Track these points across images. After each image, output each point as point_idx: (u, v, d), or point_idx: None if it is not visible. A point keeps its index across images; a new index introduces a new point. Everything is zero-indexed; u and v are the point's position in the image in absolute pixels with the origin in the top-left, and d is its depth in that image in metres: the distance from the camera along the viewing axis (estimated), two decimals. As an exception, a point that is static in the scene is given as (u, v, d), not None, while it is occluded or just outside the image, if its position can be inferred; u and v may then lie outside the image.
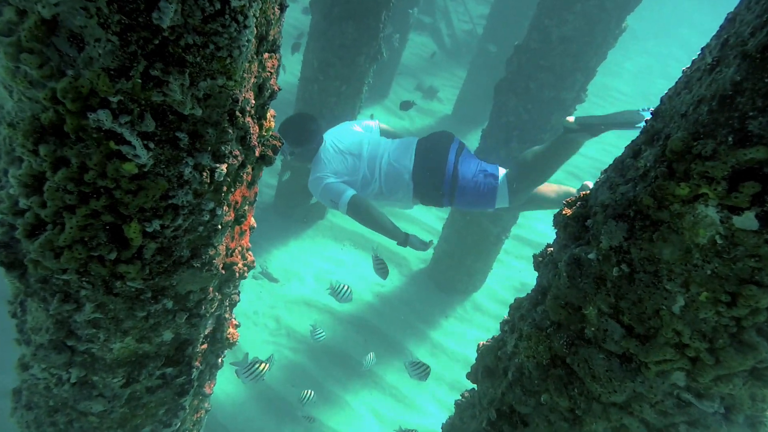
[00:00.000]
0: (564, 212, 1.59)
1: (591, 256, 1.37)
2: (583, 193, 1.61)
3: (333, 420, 4.59)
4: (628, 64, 15.17)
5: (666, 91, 1.43)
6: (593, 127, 3.80)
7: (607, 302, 1.33)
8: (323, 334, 4.45)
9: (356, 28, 5.21)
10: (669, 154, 1.14)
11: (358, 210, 3.91)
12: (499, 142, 4.95)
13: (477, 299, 6.17)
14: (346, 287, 4.32)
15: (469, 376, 2.10)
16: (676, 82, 1.37)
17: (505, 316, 2.00)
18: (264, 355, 4.82)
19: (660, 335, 1.22)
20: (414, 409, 4.86)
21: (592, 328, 1.38)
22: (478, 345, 2.08)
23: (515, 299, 1.93)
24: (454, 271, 5.98)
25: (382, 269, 4.22)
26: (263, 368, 3.45)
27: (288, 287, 5.55)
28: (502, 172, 4.08)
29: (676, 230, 1.16)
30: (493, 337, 2.04)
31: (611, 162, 1.56)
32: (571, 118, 3.85)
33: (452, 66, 11.19)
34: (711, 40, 1.27)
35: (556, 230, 1.67)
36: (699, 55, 1.31)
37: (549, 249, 1.73)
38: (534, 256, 1.83)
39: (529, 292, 1.87)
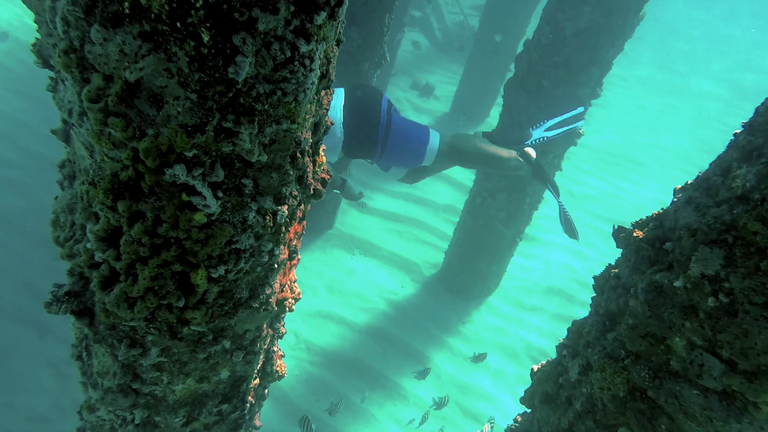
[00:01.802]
0: (635, 234, 1.55)
1: (677, 284, 1.33)
2: (656, 213, 1.56)
3: (358, 432, 4.56)
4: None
5: (762, 102, 1.35)
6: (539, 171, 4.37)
7: (700, 334, 1.27)
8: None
9: (360, 33, 5.14)
10: (782, 172, 1.08)
11: None
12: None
13: (493, 303, 6.14)
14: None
15: (523, 400, 2.06)
16: None
17: (561, 339, 1.96)
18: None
19: (774, 373, 1.17)
20: (440, 418, 4.83)
21: (681, 361, 1.33)
22: (532, 369, 2.04)
23: (573, 322, 1.89)
24: (468, 275, 5.93)
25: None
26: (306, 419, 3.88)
27: (303, 300, 5.50)
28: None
29: (792, 257, 1.10)
30: (548, 361, 2.00)
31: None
32: (532, 152, 4.35)
33: (445, 61, 11.13)
34: None
35: (622, 251, 1.63)
36: None
37: (613, 270, 1.69)
38: (594, 278, 1.79)
39: (588, 315, 1.83)
